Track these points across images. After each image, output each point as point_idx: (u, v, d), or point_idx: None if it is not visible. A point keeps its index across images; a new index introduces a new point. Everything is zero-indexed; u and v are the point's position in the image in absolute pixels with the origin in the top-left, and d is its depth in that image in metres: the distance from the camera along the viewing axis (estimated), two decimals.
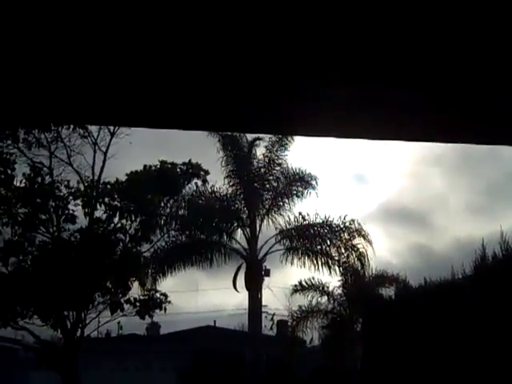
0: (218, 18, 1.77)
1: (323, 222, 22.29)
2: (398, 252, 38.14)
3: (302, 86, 1.95)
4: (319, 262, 22.01)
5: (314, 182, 22.52)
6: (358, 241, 22.23)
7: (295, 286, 22.96)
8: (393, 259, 38.99)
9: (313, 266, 22.06)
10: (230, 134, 22.22)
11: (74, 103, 2.02)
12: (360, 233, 22.12)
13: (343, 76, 1.92)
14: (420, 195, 35.56)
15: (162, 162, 17.63)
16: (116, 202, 17.11)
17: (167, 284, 21.20)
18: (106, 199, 17.11)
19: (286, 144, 22.50)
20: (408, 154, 28.49)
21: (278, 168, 22.65)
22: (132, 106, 2.05)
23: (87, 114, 2.16)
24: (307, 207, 28.46)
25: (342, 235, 22.18)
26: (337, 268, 22.14)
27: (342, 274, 22.55)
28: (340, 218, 22.23)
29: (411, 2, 1.78)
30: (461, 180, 35.05)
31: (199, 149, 24.48)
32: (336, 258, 22.12)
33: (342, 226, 22.14)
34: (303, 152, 34.06)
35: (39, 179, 16.52)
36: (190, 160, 18.08)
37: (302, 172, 22.61)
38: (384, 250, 40.43)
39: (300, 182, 22.57)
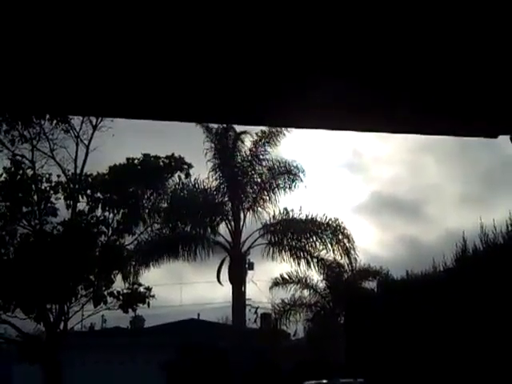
0: (210, 9, 1.76)
1: (306, 218, 22.35)
2: (388, 244, 37.99)
3: (289, 79, 1.96)
4: (299, 258, 22.12)
5: (300, 175, 22.58)
6: (341, 236, 22.35)
7: (276, 279, 23.06)
8: (382, 251, 38.92)
9: (292, 262, 22.18)
10: (215, 126, 22.21)
11: (58, 94, 2.02)
12: (343, 232, 22.23)
13: (331, 69, 1.93)
14: (413, 184, 35.36)
15: (145, 155, 17.60)
16: (98, 194, 17.07)
17: (151, 277, 21.24)
18: (88, 191, 17.07)
19: (273, 138, 22.51)
20: (400, 142, 28.42)
21: (263, 162, 22.68)
22: (117, 96, 2.05)
23: (72, 105, 2.15)
24: (295, 199, 28.43)
25: (325, 232, 22.28)
26: (316, 264, 22.28)
27: (324, 269, 22.66)
28: (324, 215, 22.34)
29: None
30: (455, 169, 34.65)
31: (184, 140, 24.50)
32: (315, 255, 22.23)
33: (325, 224, 22.23)
34: (293, 142, 33.74)
35: (20, 172, 16.44)
36: (172, 154, 18.05)
37: (288, 164, 22.64)
38: (373, 242, 40.29)
39: (285, 175, 22.61)
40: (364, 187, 41.67)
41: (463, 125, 2.25)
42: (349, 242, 22.20)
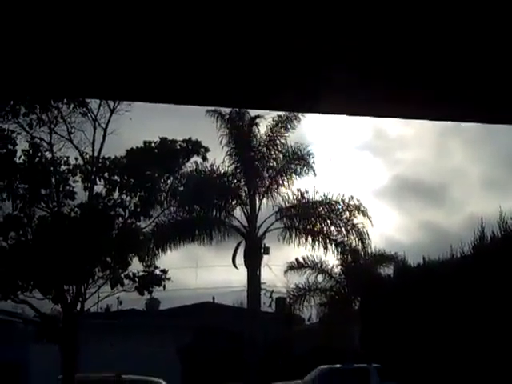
0: None
1: (322, 199, 22.30)
2: (409, 229, 37.14)
3: (304, 64, 1.95)
4: (317, 241, 22.08)
5: (311, 160, 22.52)
6: (358, 220, 22.27)
7: (291, 263, 23.07)
8: (403, 237, 38.47)
9: (310, 245, 22.15)
10: (230, 111, 22.18)
11: (76, 77, 2.02)
12: (359, 209, 22.13)
13: (347, 59, 1.93)
14: (436, 168, 34.46)
15: (162, 139, 17.61)
16: (116, 177, 17.14)
17: (167, 260, 21.35)
18: (106, 174, 17.13)
19: (290, 122, 22.46)
20: (423, 125, 27.82)
21: (278, 146, 22.64)
22: (134, 80, 2.04)
23: (89, 88, 2.16)
24: (315, 183, 28.17)
25: (341, 213, 22.21)
26: (334, 247, 22.21)
27: (340, 253, 22.64)
28: (339, 194, 22.26)
29: None
30: (479, 153, 33.66)
31: (198, 128, 24.46)
32: (333, 238, 22.17)
33: (341, 204, 22.12)
34: (313, 125, 33.27)
35: (39, 155, 16.53)
36: (190, 137, 18.05)
37: (302, 149, 22.58)
38: (394, 227, 39.61)
39: (300, 160, 22.56)
40: (385, 171, 41.04)
41: (485, 111, 2.23)
42: (363, 226, 22.13)
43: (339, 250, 22.31)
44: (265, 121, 22.69)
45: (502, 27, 1.84)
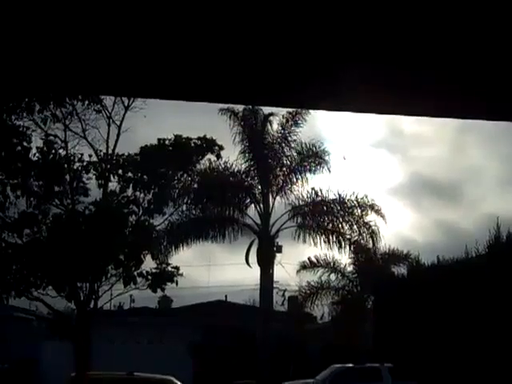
0: None
1: (336, 198, 22.24)
2: (425, 228, 36.61)
3: (317, 61, 1.94)
4: (331, 240, 22.01)
5: (327, 157, 22.45)
6: (371, 218, 22.19)
7: (303, 262, 23.03)
8: (418, 235, 38.13)
9: (324, 244, 22.08)
10: (244, 109, 22.15)
11: (89, 73, 2.02)
12: (373, 207, 22.06)
13: (359, 56, 1.93)
14: (452, 166, 33.86)
15: (177, 136, 17.60)
16: (129, 174, 17.16)
17: (180, 258, 21.37)
18: (120, 171, 17.16)
19: (299, 118, 22.39)
20: (439, 121, 27.45)
21: (291, 144, 22.59)
22: (148, 76, 2.04)
23: (103, 85, 2.17)
24: (330, 181, 27.91)
25: (354, 211, 22.14)
26: (347, 246, 22.13)
27: (353, 252, 22.57)
28: (353, 193, 22.19)
29: None
30: (498, 150, 32.95)
31: (213, 126, 24.46)
32: (347, 236, 22.10)
33: (354, 202, 22.04)
34: (328, 123, 32.95)
35: (53, 152, 16.57)
36: (204, 135, 18.04)
37: (318, 146, 22.51)
38: (409, 226, 39.20)
39: (313, 158, 22.50)
40: (401, 168, 40.59)
41: (497, 108, 2.20)
42: (375, 225, 22.02)
43: (353, 248, 22.24)
44: (278, 118, 22.66)
45: (507, 25, 1.82)
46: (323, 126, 36.59)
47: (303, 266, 23.48)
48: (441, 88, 2.07)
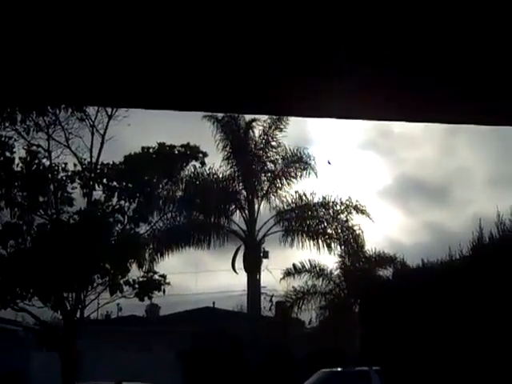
0: None
1: (320, 201, 22.30)
2: (412, 230, 36.57)
3: (300, 67, 1.93)
4: (319, 242, 22.06)
5: (311, 162, 22.52)
6: (357, 219, 22.26)
7: (288, 269, 22.96)
8: (406, 238, 38.04)
9: (311, 247, 22.13)
10: (226, 115, 22.18)
11: (72, 84, 2.03)
12: (357, 208, 22.13)
13: (344, 58, 1.91)
14: (440, 168, 33.88)
15: (160, 144, 17.64)
16: (114, 183, 17.15)
17: (166, 265, 21.33)
18: (104, 180, 17.15)
19: (281, 123, 22.42)
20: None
21: (275, 149, 22.65)
22: (130, 87, 2.05)
23: (85, 95, 2.16)
24: (316, 185, 27.89)
25: (339, 216, 22.22)
26: (338, 247, 22.18)
27: (339, 256, 22.62)
28: (337, 196, 22.27)
29: None
30: (485, 152, 33.03)
31: (196, 134, 24.42)
32: (336, 237, 22.16)
33: (339, 206, 22.12)
34: (311, 127, 32.85)
35: (36, 162, 16.53)
36: (188, 143, 18.08)
37: (301, 152, 22.58)
38: (396, 228, 39.10)
39: (298, 163, 22.56)
40: (388, 170, 40.42)
41: (491, 113, 2.22)
42: (359, 228, 22.10)
43: (339, 252, 22.31)
44: (261, 124, 22.70)
45: (504, 29, 1.83)
46: (309, 128, 36.44)
47: (287, 273, 23.43)
48: (438, 94, 2.07)
